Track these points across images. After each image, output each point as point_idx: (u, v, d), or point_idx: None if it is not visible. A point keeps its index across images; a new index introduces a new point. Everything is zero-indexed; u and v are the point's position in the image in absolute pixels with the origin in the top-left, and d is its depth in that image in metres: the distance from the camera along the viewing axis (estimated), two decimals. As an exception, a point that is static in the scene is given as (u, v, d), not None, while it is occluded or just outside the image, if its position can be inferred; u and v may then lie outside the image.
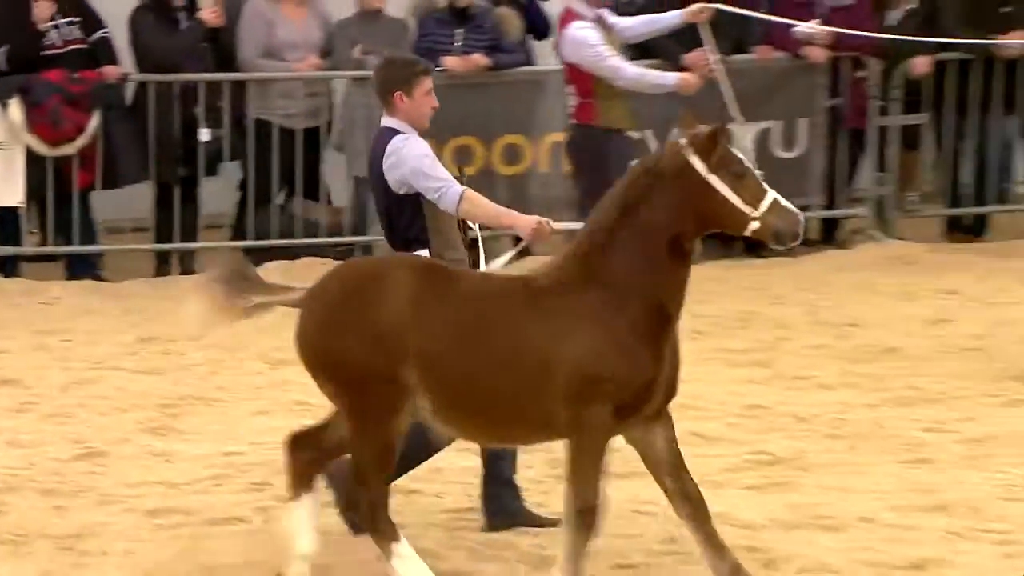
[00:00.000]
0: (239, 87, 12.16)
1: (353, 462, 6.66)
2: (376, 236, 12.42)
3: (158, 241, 12.31)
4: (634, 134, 11.22)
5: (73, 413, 8.97)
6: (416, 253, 7.12)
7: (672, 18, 10.71)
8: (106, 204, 12.29)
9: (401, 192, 7.16)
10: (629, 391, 6.39)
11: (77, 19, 11.96)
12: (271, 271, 11.92)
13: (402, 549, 6.54)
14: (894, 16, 12.77)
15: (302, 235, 12.29)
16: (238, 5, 12.27)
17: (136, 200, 12.28)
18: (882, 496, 7.67)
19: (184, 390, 9.40)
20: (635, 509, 7.44)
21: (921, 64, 12.51)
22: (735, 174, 6.39)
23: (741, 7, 11.51)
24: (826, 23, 12.29)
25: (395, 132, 7.19)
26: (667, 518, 6.92)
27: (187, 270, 12.21)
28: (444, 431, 6.68)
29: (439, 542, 7.13)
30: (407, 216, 7.22)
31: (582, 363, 6.34)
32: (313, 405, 9.11)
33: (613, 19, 10.82)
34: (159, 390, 9.39)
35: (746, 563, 6.83)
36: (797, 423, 8.75)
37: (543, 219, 7.14)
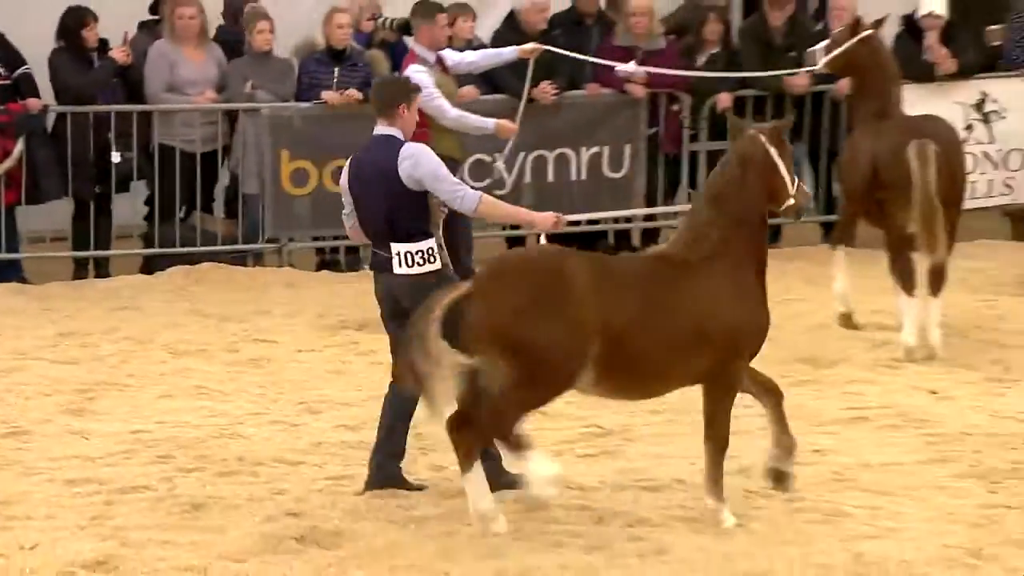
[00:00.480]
0: (146, 117, 12.01)
1: (498, 417, 6.58)
2: (264, 245, 12.33)
3: (75, 249, 12.11)
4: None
5: (1, 398, 8.78)
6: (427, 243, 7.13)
7: (509, 53, 10.79)
8: (29, 218, 12.07)
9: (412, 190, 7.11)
10: (762, 340, 6.88)
11: None
12: (174, 275, 11.81)
13: (535, 454, 6.59)
14: (700, 59, 12.89)
15: (201, 244, 12.14)
16: (145, 46, 12.12)
17: (56, 214, 12.07)
18: (695, 461, 7.71)
19: (98, 377, 9.25)
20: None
21: (724, 99, 12.64)
22: (787, 161, 6.85)
23: (573, 50, 11.57)
24: (642, 64, 12.40)
25: (396, 139, 7.16)
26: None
27: (101, 274, 12.03)
28: (595, 393, 6.87)
29: (321, 505, 7.08)
30: (416, 211, 7.12)
31: (734, 323, 6.73)
32: (211, 389, 9.03)
33: (456, 57, 10.85)
34: (76, 377, 9.23)
35: (580, 520, 6.86)
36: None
37: (558, 214, 7.30)
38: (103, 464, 7.66)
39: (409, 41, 12.09)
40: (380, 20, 12.53)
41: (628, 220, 12.74)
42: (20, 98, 11.72)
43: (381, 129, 7.22)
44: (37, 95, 11.84)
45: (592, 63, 11.98)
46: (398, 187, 7.08)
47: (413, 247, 7.13)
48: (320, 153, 12.19)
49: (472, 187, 7.22)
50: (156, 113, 12.03)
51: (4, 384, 9.05)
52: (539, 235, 7.69)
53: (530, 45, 10.82)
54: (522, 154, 12.49)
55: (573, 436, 8.16)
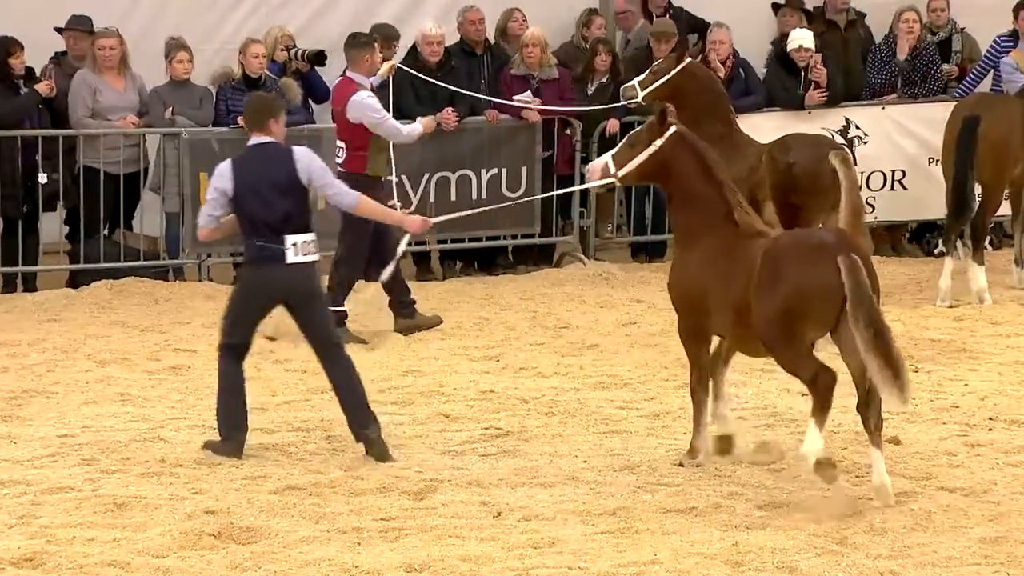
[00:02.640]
0: (72, 140, 11.88)
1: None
2: (184, 260, 12.23)
3: (4, 265, 11.94)
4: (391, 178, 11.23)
5: (-66, 404, 8.65)
6: None
7: (379, 77, 10.82)
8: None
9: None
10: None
11: None
12: (99, 289, 11.67)
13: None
14: (591, 88, 12.98)
15: (124, 259, 12.02)
16: (69, 74, 12.01)
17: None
18: (586, 459, 7.78)
19: (25, 384, 9.13)
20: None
21: (612, 124, 12.74)
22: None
23: (469, 77, 11.57)
24: (536, 93, 12.49)
25: (279, 144, 7.74)
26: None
27: (29, 289, 11.86)
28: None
29: (237, 503, 7.04)
30: (305, 206, 7.75)
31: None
32: (133, 396, 8.95)
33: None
34: (5, 385, 9.10)
35: (479, 515, 6.89)
36: (521, 404, 8.82)
37: (425, 217, 8.11)
38: (30, 466, 7.56)
39: (323, 70, 12.15)
40: (293, 51, 12.51)
41: (529, 236, 12.81)
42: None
43: (258, 139, 7.78)
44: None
45: (477, 96, 12.12)
46: (296, 184, 7.68)
47: (304, 237, 7.68)
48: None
49: (390, 205, 7.47)
50: (81, 137, 11.92)
51: (-64, 392, 8.91)
52: (408, 237, 8.28)
53: (387, 64, 10.94)
54: (426, 175, 12.52)
55: (474, 436, 8.19)
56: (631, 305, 11.43)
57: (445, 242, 12.76)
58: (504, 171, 12.69)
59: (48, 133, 11.76)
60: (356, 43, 10.69)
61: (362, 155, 10.44)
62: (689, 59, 10.47)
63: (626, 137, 7.88)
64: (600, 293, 11.87)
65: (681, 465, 7.61)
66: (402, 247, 8.48)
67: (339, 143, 10.62)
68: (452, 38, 12.89)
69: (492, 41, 13.06)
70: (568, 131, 12.87)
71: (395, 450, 7.81)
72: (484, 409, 8.70)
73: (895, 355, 6.84)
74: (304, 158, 7.72)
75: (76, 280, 11.93)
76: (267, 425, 8.29)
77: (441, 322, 10.64)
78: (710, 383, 7.69)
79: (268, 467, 7.53)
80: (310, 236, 7.71)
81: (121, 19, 12.50)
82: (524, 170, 12.76)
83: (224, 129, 12.10)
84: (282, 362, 9.74)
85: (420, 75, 11.66)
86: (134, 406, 8.74)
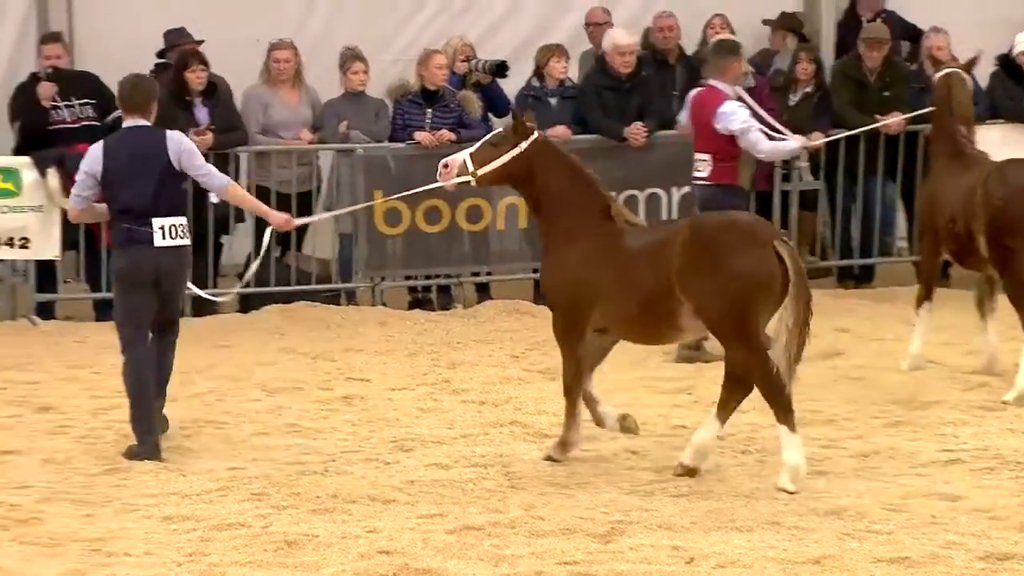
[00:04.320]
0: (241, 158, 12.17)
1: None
2: (357, 284, 12.43)
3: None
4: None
5: (101, 435, 8.92)
6: None
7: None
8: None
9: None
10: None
11: (92, 100, 11.95)
12: (269, 313, 11.93)
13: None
14: (794, 98, 12.85)
15: (296, 283, 12.26)
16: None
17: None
18: (787, 502, 7.67)
19: (195, 414, 9.35)
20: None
21: (817, 137, 12.57)
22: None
23: (660, 89, 11.75)
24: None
25: (153, 127, 8.39)
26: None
27: (198, 313, 12.12)
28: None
29: (413, 543, 7.09)
30: (176, 189, 8.46)
31: None
32: (304, 427, 9.11)
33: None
34: (173, 414, 9.31)
35: (669, 560, 6.83)
36: (716, 441, 8.73)
37: (289, 216, 9.04)
38: (199, 501, 7.74)
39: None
40: (473, 62, 12.62)
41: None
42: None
43: (133, 121, 8.41)
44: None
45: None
46: (167, 168, 8.32)
47: (174, 220, 8.32)
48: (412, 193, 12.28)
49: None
50: (251, 155, 12.18)
51: (102, 421, 9.19)
52: (271, 232, 8.96)
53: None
54: (613, 194, 12.50)
55: (665, 476, 8.13)
56: (836, 335, 11.24)
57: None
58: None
59: (219, 151, 12.06)
60: (723, 50, 10.58)
61: (731, 166, 10.43)
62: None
63: (487, 136, 8.37)
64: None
65: (550, 459, 8.13)
66: (265, 242, 9.13)
67: (701, 155, 10.56)
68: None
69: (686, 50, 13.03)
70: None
71: (579, 489, 7.80)
72: (675, 446, 8.63)
73: (803, 342, 7.59)
74: (176, 141, 8.35)
75: (246, 304, 12.21)
76: (443, 460, 8.37)
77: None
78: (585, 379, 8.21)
79: (444, 505, 7.58)
80: (180, 220, 8.36)
81: (296, 29, 12.76)
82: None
83: (401, 145, 12.28)
84: (458, 392, 9.83)
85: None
86: (305, 437, 8.90)
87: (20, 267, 11.95)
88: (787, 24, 13.39)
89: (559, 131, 12.31)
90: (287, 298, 12.07)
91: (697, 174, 10.54)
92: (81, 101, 11.92)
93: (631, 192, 12.55)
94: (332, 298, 12.26)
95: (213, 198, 11.98)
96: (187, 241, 8.46)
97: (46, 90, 11.90)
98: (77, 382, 10.18)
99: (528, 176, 8.11)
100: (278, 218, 8.83)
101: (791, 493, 7.63)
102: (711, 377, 10.19)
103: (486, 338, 11.55)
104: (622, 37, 12.47)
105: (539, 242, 8.55)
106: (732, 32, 12.52)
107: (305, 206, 12.31)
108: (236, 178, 12.05)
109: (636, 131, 12.29)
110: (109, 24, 12.74)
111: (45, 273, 11.95)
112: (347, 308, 12.14)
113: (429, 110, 12.38)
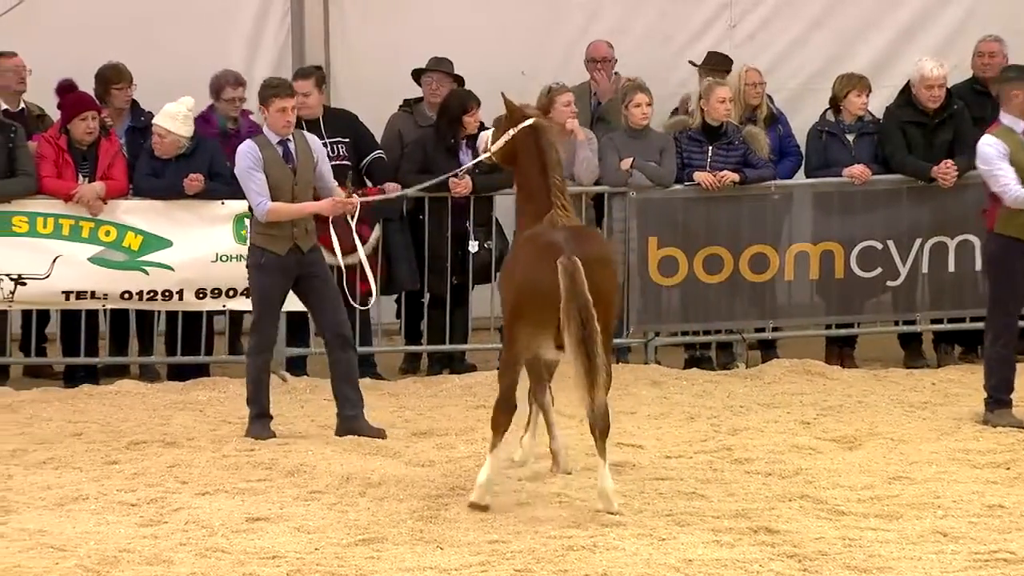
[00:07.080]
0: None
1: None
2: (628, 340, 12.44)
3: (430, 343, 12.47)
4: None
5: (353, 502, 9.08)
6: None
7: None
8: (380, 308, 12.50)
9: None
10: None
11: (346, 139, 12.22)
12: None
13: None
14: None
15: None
16: (422, 125, 12.29)
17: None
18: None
19: (453, 481, 9.45)
20: None
21: None
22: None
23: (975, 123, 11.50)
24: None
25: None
26: None
27: (457, 370, 12.32)
28: None
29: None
30: None
31: None
32: (571, 497, 9.14)
33: None
34: (430, 480, 9.46)
35: None
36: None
37: (336, 198, 9.92)
38: (457, 576, 7.83)
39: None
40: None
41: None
42: (372, 183, 12.19)
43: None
44: (390, 179, 12.29)
45: None
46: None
47: None
48: (691, 240, 12.28)
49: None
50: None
51: (355, 488, 9.36)
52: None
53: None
54: (918, 240, 12.29)
55: (979, 561, 7.91)
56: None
57: (941, 321, 12.46)
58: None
59: (481, 195, 12.23)
60: (1007, 76, 10.52)
61: (993, 210, 10.28)
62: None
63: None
64: None
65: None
66: (362, 252, 10.30)
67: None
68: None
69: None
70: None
71: (880, 573, 7.65)
72: (990, 528, 8.39)
73: (597, 364, 8.19)
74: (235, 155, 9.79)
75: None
76: (725, 537, 8.27)
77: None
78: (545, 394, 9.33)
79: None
80: None
81: (560, 64, 12.92)
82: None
83: (679, 187, 12.28)
84: (742, 462, 9.75)
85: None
86: (572, 509, 8.92)
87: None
88: (712, 64, 12.81)
89: (857, 171, 12.15)
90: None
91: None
92: (333, 139, 12.23)
93: (940, 239, 12.32)
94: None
95: (473, 247, 12.17)
96: None
97: None
98: (330, 443, 10.36)
99: (515, 162, 9.00)
100: (326, 206, 9.82)
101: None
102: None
103: (772, 401, 11.43)
104: (931, 68, 12.27)
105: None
106: None
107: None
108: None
109: (945, 170, 12.05)
110: (366, 58, 13.09)
111: (295, 326, 12.28)
112: (617, 366, 12.15)
113: (710, 148, 12.37)
